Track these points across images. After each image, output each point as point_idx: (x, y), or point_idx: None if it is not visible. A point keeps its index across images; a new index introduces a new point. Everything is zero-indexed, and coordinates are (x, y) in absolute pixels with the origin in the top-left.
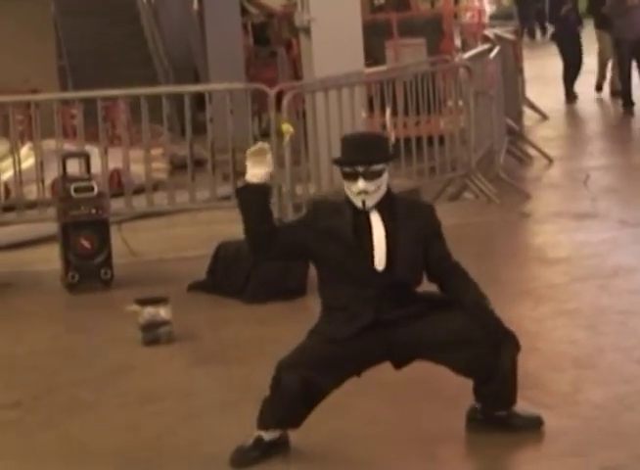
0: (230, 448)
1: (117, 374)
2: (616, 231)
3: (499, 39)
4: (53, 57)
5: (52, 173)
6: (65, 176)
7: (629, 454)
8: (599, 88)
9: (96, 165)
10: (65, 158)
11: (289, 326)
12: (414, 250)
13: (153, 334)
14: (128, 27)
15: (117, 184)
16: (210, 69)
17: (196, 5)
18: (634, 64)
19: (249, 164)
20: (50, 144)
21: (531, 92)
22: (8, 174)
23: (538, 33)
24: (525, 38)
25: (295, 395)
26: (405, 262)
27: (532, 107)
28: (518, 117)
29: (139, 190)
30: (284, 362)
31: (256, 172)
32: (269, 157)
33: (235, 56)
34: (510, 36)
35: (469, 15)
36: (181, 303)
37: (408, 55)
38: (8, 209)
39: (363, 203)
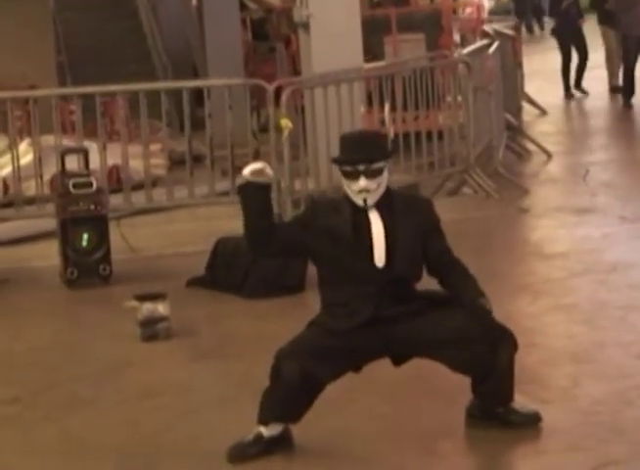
0: (229, 444)
1: (116, 370)
2: (614, 226)
3: (498, 34)
4: (51, 52)
5: (51, 169)
6: (63, 172)
7: (628, 449)
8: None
9: (95, 161)
10: (63, 153)
11: (287, 322)
12: (413, 245)
13: (151, 330)
14: (127, 23)
15: (116, 180)
16: (209, 64)
17: (194, 0)
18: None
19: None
20: (49, 140)
21: (530, 87)
22: (6, 170)
23: (537, 29)
24: (524, 34)
25: (294, 384)
26: (405, 258)
27: (531, 102)
28: (517, 112)
29: (138, 186)
30: (283, 351)
31: (258, 180)
32: (268, 170)
33: (234, 51)
34: (509, 32)
35: (468, 10)
36: (180, 298)
37: (407, 50)
38: (7, 205)
39: (364, 201)
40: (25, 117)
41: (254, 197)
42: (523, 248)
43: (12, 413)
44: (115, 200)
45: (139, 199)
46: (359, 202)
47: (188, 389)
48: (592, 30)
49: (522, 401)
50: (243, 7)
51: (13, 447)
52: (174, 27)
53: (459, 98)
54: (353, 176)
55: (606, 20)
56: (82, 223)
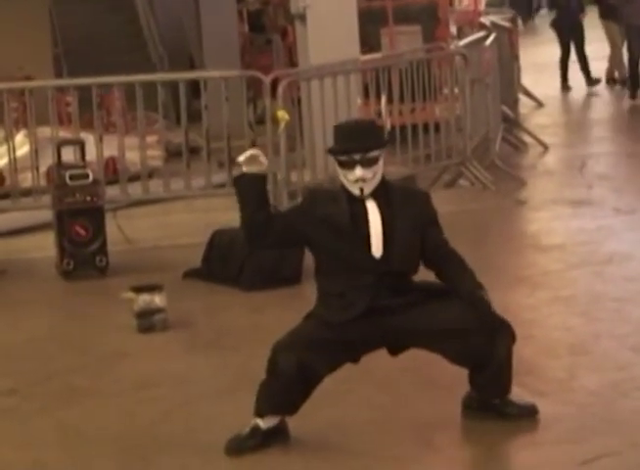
0: (226, 436)
1: (113, 361)
2: (611, 218)
3: (495, 26)
4: (48, 44)
5: (47, 161)
6: (59, 164)
7: (623, 441)
8: (623, 83)
9: (91, 153)
10: (59, 145)
11: (284, 314)
12: (411, 237)
13: (148, 321)
14: (123, 15)
15: (113, 171)
16: (206, 56)
17: None
18: None
19: (243, 168)
20: (45, 131)
21: (527, 79)
22: (2, 162)
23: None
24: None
25: (291, 376)
26: (402, 250)
27: (528, 94)
28: (513, 104)
29: (134, 177)
30: (280, 343)
31: (252, 168)
32: (262, 158)
33: (230, 43)
34: (506, 24)
35: (464, 2)
36: (176, 290)
37: (404, 42)
38: (3, 196)
39: (361, 190)
40: (22, 109)
41: (250, 188)
42: (519, 240)
43: (8, 405)
44: (112, 191)
45: (135, 190)
46: (356, 191)
47: (185, 380)
48: (593, 24)
49: (518, 393)
50: None
51: (9, 439)
52: (171, 19)
53: (456, 90)
54: (349, 166)
55: (608, 13)
56: (78, 215)
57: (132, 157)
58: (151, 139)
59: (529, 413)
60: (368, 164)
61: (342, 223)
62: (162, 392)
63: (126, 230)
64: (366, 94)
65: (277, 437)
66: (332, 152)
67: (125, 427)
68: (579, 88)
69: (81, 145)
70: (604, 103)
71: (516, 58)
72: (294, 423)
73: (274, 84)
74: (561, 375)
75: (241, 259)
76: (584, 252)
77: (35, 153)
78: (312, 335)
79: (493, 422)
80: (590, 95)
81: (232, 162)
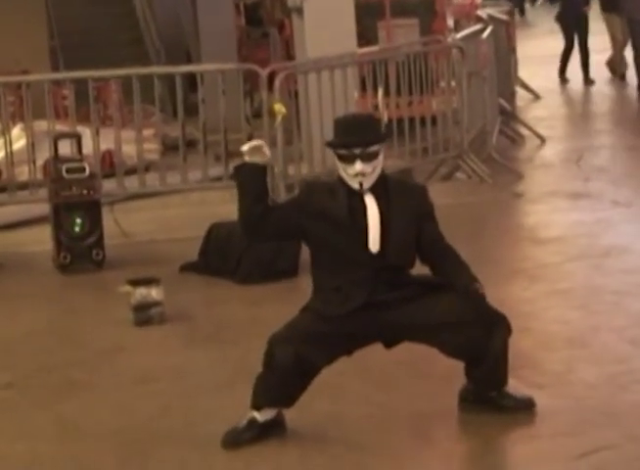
0: (224, 429)
1: (110, 355)
2: (608, 211)
3: (492, 19)
4: (44, 37)
5: (43, 154)
6: (56, 157)
7: (621, 434)
8: (622, 77)
9: (88, 146)
10: (56, 138)
11: (282, 307)
12: (408, 231)
13: (144, 315)
14: (120, 8)
15: (109, 165)
16: (202, 49)
17: None
18: None
19: (245, 157)
20: (41, 125)
21: (524, 72)
22: None
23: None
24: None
25: (288, 368)
26: (399, 244)
27: (525, 87)
28: (510, 97)
29: (131, 171)
30: (276, 336)
31: (255, 159)
32: (266, 149)
33: (227, 36)
34: (503, 16)
35: None
36: (173, 283)
37: (401, 35)
38: None
39: (360, 184)
40: (18, 102)
41: (250, 178)
42: (517, 232)
43: (6, 399)
44: (108, 185)
45: (132, 184)
46: (355, 185)
47: (183, 374)
48: (594, 17)
49: (515, 386)
50: None
51: (6, 433)
52: (168, 12)
53: (453, 83)
54: (349, 160)
55: (609, 6)
56: (75, 208)
57: (129, 150)
58: (147, 132)
59: (526, 406)
60: (368, 158)
61: (340, 217)
62: (161, 385)
63: (123, 224)
64: (363, 87)
65: (274, 429)
66: (332, 145)
67: (124, 421)
68: (577, 81)
69: (78, 138)
70: (601, 95)
71: (513, 50)
72: (290, 415)
73: (271, 77)
74: (558, 368)
75: (238, 253)
76: (582, 244)
77: (32, 146)
78: (309, 328)
79: (490, 415)
80: (587, 87)
81: (229, 155)
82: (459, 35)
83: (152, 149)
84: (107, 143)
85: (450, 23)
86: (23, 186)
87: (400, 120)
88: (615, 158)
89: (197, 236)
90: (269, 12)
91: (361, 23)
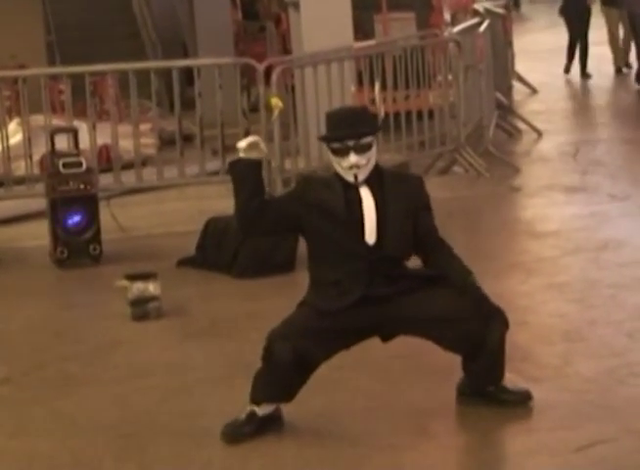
0: (222, 423)
1: (107, 349)
2: (605, 205)
3: (489, 13)
4: (40, 32)
5: (40, 149)
6: (53, 152)
7: (619, 427)
8: (619, 70)
9: (84, 141)
10: (53, 133)
11: (278, 301)
12: (404, 222)
13: (142, 309)
14: (116, 2)
15: (106, 159)
16: (199, 43)
17: None
18: None
19: (241, 154)
20: (38, 119)
21: (521, 66)
22: None
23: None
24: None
25: (287, 364)
26: (395, 235)
27: (522, 80)
28: (507, 91)
29: (128, 165)
30: (275, 332)
31: (251, 155)
32: (262, 145)
33: (224, 30)
34: (499, 10)
35: None
36: (170, 278)
37: (397, 29)
38: None
39: (355, 177)
40: (15, 97)
41: (246, 174)
42: (514, 226)
43: (2, 393)
44: (105, 179)
45: (129, 178)
46: (350, 178)
47: (179, 368)
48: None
49: (513, 380)
50: None
51: (3, 428)
52: (164, 6)
53: (449, 77)
54: (343, 153)
55: (609, 0)
56: (72, 203)
57: (126, 145)
58: (144, 127)
59: (524, 400)
60: (362, 150)
61: (337, 209)
62: (157, 379)
63: (120, 218)
64: (360, 81)
65: (272, 424)
66: (324, 139)
67: (120, 415)
68: (574, 74)
69: (74, 133)
70: (598, 89)
71: (509, 44)
72: (287, 409)
73: (268, 72)
74: (556, 362)
75: (235, 247)
76: (579, 238)
77: (28, 141)
78: (306, 323)
79: (488, 408)
80: (584, 81)
81: (226, 149)
82: (456, 29)
83: (148, 143)
84: (103, 138)
85: (447, 16)
86: (20, 181)
87: (397, 114)
88: (611, 151)
89: (194, 230)
90: (266, 6)
91: (358, 16)
